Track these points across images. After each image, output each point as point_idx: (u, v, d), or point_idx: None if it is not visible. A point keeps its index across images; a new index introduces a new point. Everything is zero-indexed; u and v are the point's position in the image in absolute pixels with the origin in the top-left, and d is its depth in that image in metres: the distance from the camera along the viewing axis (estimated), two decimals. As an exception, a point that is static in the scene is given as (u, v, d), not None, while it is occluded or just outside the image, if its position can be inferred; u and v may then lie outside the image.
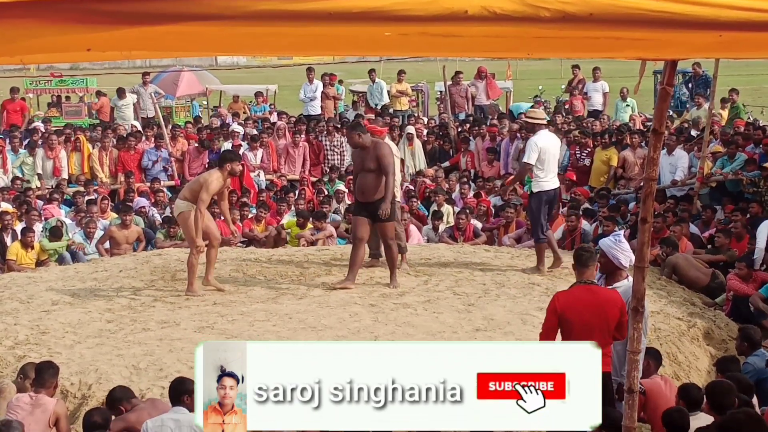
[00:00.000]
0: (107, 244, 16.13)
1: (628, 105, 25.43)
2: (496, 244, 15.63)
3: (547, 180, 12.87)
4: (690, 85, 25.74)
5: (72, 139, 20.87)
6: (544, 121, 13.34)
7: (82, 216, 16.81)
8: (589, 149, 19.33)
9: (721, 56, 11.72)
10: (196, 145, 20.85)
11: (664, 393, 8.70)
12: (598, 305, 7.87)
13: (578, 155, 19.34)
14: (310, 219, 16.62)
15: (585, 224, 15.82)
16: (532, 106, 23.47)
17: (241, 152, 19.95)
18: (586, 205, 17.00)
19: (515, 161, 20.21)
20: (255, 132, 21.91)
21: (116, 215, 16.93)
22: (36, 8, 4.07)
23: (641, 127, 22.03)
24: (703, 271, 13.55)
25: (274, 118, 24.59)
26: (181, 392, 7.69)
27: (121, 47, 4.93)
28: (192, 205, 12.09)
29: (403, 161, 21.04)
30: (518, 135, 20.64)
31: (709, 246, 14.71)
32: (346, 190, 18.70)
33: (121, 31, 4.33)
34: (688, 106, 24.56)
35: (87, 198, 17.84)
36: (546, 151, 12.69)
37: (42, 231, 15.99)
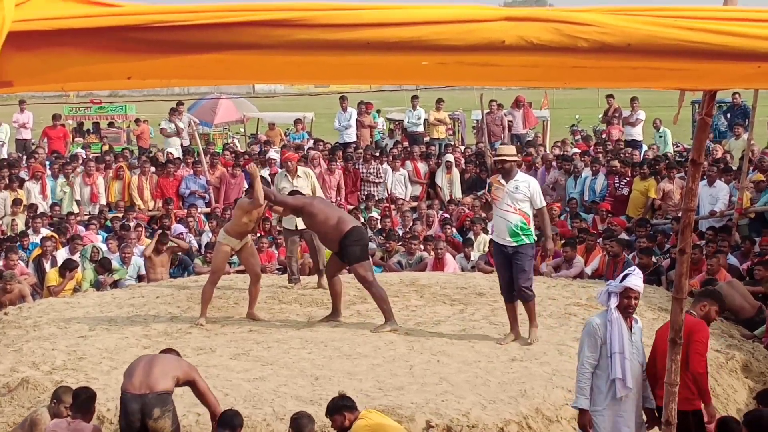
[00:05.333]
0: (142, 269, 16.28)
1: (661, 136, 25.32)
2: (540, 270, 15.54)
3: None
4: (728, 115, 25.57)
5: (114, 166, 21.01)
6: (517, 160, 11.70)
7: (118, 242, 16.91)
8: (628, 179, 19.24)
9: (760, 87, 11.66)
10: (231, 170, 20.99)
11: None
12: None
13: (616, 184, 19.25)
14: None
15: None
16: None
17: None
18: (623, 235, 16.88)
19: (551, 190, 20.19)
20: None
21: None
22: (78, 37, 4.11)
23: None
24: (750, 302, 13.37)
25: (308, 145, 24.64)
26: (229, 424, 7.80)
27: (161, 75, 4.96)
28: (230, 239, 12.29)
29: (440, 188, 21.10)
30: (554, 164, 20.63)
31: (747, 278, 14.56)
32: (380, 218, 18.76)
33: (161, 60, 4.37)
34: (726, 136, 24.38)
35: (126, 223, 17.97)
36: None
37: (79, 258, 16.08)
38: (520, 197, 11.01)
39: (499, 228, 11.34)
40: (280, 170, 15.28)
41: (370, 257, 12.64)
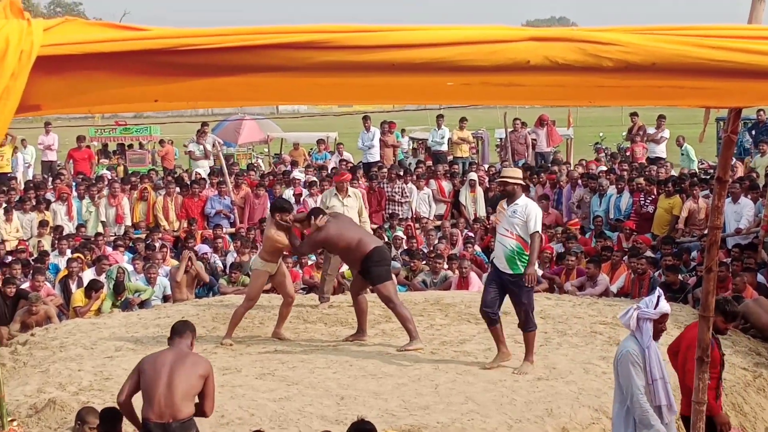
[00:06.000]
0: (167, 289, 16.30)
1: (683, 153, 25.25)
2: (556, 292, 15.52)
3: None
4: (753, 132, 25.46)
5: (139, 187, 21.11)
6: (522, 183, 11.24)
7: (144, 262, 16.97)
8: (653, 196, 19.17)
9: (785, 104, 11.62)
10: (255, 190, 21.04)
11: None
12: None
13: (642, 202, 19.18)
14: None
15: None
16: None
17: (302, 199, 20.12)
18: (649, 253, 16.81)
19: (576, 208, 20.15)
20: (314, 179, 21.98)
21: (177, 262, 17.08)
22: (106, 61, 4.15)
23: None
24: None
25: (332, 164, 24.67)
26: None
27: (187, 98, 5.01)
28: (266, 263, 12.38)
29: (464, 206, 21.07)
30: (579, 182, 20.58)
31: (775, 295, 14.43)
32: (405, 237, 18.75)
33: (187, 83, 4.40)
34: (751, 153, 24.27)
35: (150, 243, 18.04)
36: None
37: (105, 278, 16.15)
38: (517, 221, 10.64)
39: (497, 253, 10.97)
40: (319, 192, 15.06)
41: (393, 277, 12.60)
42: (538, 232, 10.71)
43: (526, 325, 10.85)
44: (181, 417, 7.94)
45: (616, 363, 7.97)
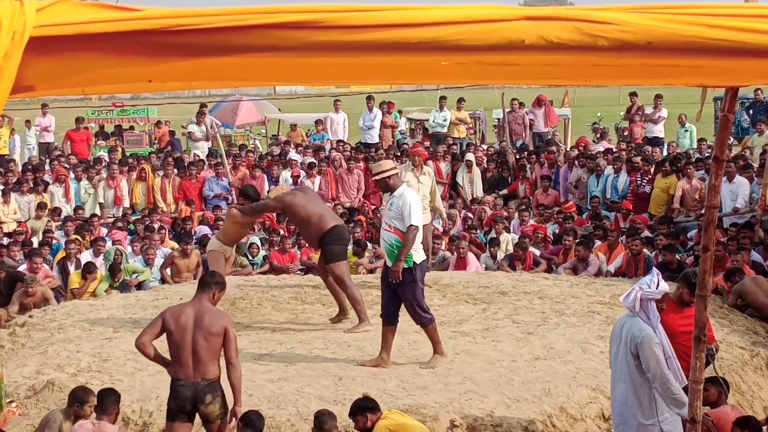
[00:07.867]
0: (168, 271, 16.26)
1: (686, 131, 25.21)
2: (555, 272, 15.52)
3: (420, 247, 10.42)
4: (751, 112, 25.41)
5: (137, 168, 21.08)
6: (396, 171, 10.74)
7: (142, 244, 16.96)
8: (650, 176, 19.14)
9: (782, 83, 11.60)
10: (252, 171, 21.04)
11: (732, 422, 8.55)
12: None
13: (639, 182, 19.16)
14: (367, 247, 16.66)
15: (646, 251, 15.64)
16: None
17: (299, 181, 20.10)
18: (646, 233, 16.79)
19: (574, 188, 20.14)
20: (312, 160, 21.96)
21: (177, 244, 17.05)
22: (99, 41, 4.14)
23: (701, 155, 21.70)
24: None
25: (328, 146, 24.60)
26: (254, 426, 7.88)
27: (181, 78, 4.98)
28: (221, 245, 12.76)
29: (461, 187, 21.04)
30: (576, 162, 20.56)
31: (772, 274, 14.43)
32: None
33: (181, 63, 4.39)
34: (749, 132, 24.22)
35: (149, 225, 18.01)
36: None
37: (103, 260, 16.13)
38: (393, 214, 10.25)
39: (382, 248, 10.76)
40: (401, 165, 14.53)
41: (347, 258, 12.52)
42: (413, 225, 10.13)
43: (419, 320, 10.38)
44: (209, 377, 8.05)
45: (634, 347, 7.84)
